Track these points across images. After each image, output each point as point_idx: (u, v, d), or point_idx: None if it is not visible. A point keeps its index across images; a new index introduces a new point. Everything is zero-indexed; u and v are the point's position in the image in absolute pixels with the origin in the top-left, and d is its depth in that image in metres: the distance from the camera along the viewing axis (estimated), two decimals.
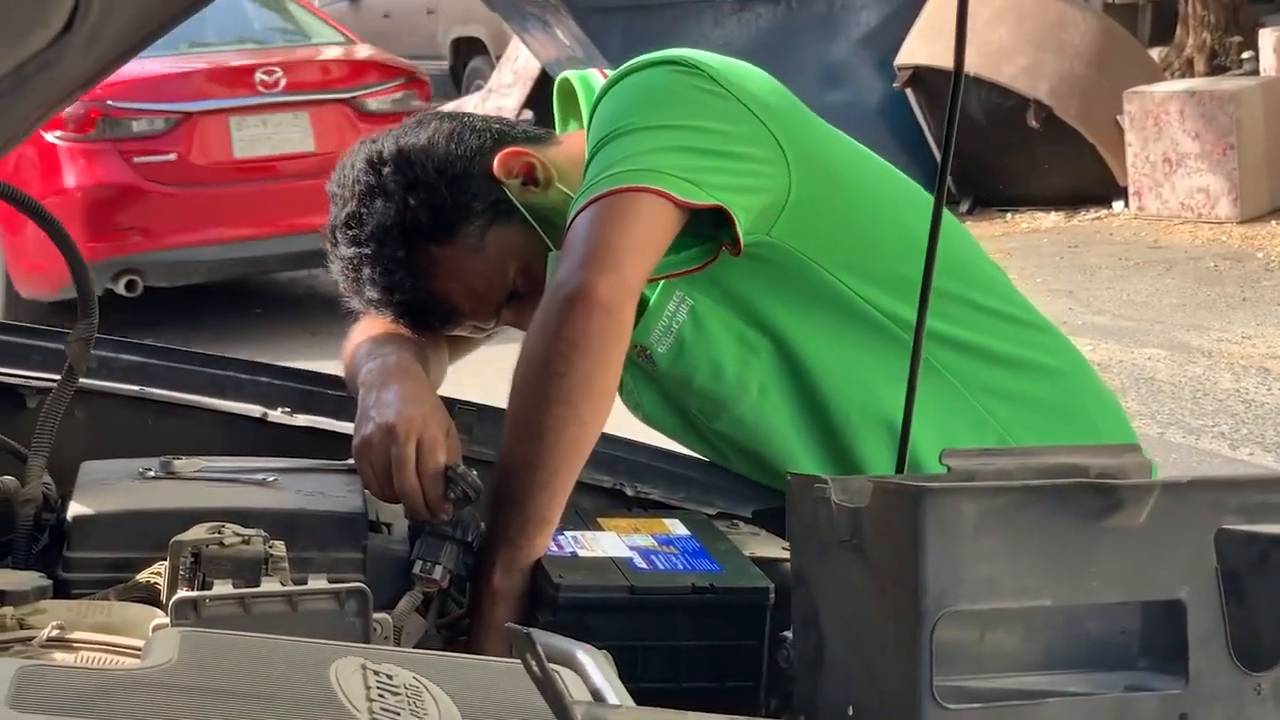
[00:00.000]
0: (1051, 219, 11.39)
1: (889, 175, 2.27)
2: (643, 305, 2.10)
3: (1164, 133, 10.88)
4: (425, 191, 2.16)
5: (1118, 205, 11.38)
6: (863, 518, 1.59)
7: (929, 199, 1.95)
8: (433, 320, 2.23)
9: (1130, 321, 8.66)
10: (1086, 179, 11.46)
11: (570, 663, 1.53)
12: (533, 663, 1.26)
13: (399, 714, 1.27)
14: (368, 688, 1.30)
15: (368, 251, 2.17)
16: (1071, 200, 11.55)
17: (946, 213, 2.15)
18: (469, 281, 2.19)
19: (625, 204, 1.96)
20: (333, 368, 2.36)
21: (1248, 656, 1.63)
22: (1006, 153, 11.51)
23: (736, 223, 2.00)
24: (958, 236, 2.27)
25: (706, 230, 2.04)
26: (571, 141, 2.26)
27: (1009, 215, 11.61)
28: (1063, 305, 9.08)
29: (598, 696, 1.41)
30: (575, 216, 1.98)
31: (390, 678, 1.33)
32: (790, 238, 2.09)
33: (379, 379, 2.07)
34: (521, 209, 2.16)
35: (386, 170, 2.17)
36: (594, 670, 1.47)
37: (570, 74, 2.32)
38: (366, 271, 2.18)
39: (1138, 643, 1.71)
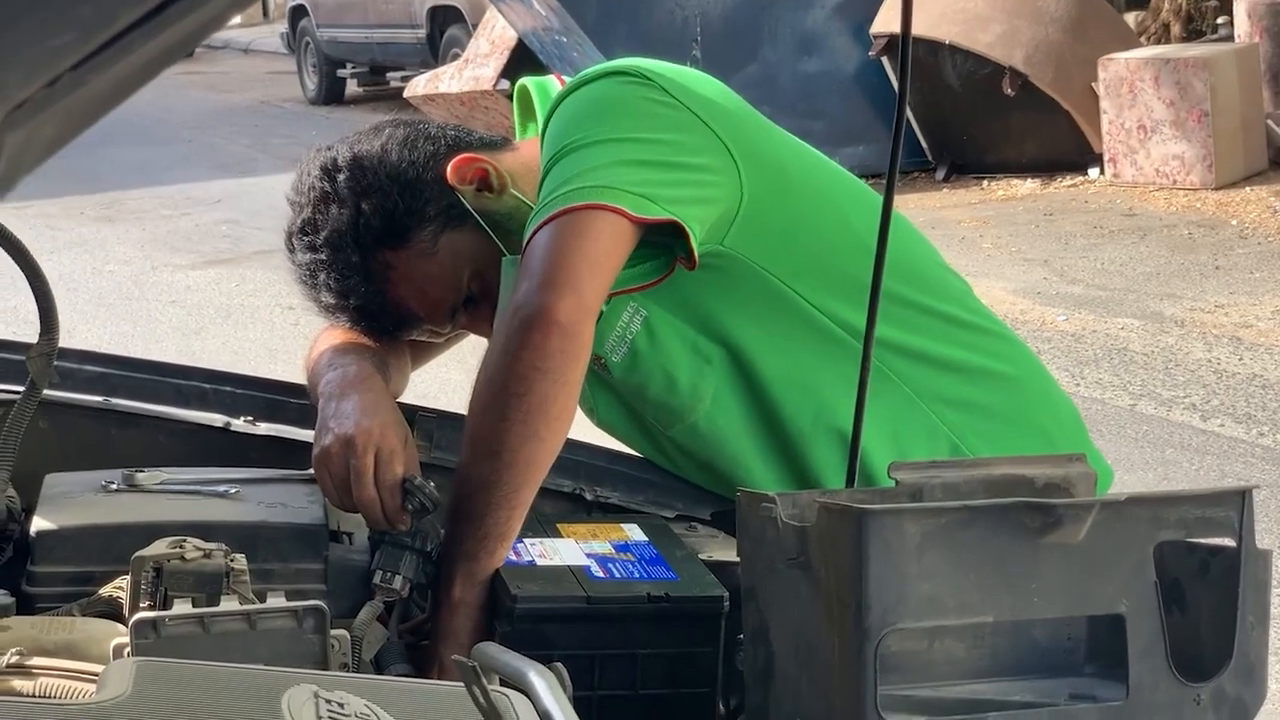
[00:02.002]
0: (1027, 186, 11.42)
1: (841, 179, 2.28)
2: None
3: (1138, 99, 10.89)
4: (378, 197, 2.18)
5: (1093, 172, 11.40)
6: (809, 536, 1.62)
7: (880, 201, 1.97)
8: (388, 325, 2.25)
9: (1104, 291, 8.70)
10: (1062, 146, 11.48)
11: (522, 682, 1.56)
12: (478, 694, 1.29)
13: None
14: (319, 717, 1.33)
15: (322, 257, 2.19)
16: (1047, 167, 11.57)
17: (902, 218, 2.18)
18: (423, 286, 2.21)
19: (581, 223, 1.98)
20: None
21: (1190, 665, 1.67)
22: (982, 120, 11.53)
23: (691, 236, 2.02)
24: (911, 241, 2.29)
25: (661, 241, 2.06)
26: (527, 147, 2.28)
27: (985, 183, 11.64)
28: (1038, 275, 9.12)
29: None
30: (532, 236, 2.00)
31: (342, 705, 1.35)
32: (742, 246, 2.11)
33: (338, 390, 2.09)
34: (475, 214, 2.18)
35: (341, 177, 2.20)
36: (544, 692, 1.50)
37: (528, 80, 2.34)
38: (322, 277, 2.20)
39: (1084, 649, 1.74)
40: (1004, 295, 8.53)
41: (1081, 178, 11.43)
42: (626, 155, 2.05)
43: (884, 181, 1.82)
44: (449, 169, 2.20)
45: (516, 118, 2.39)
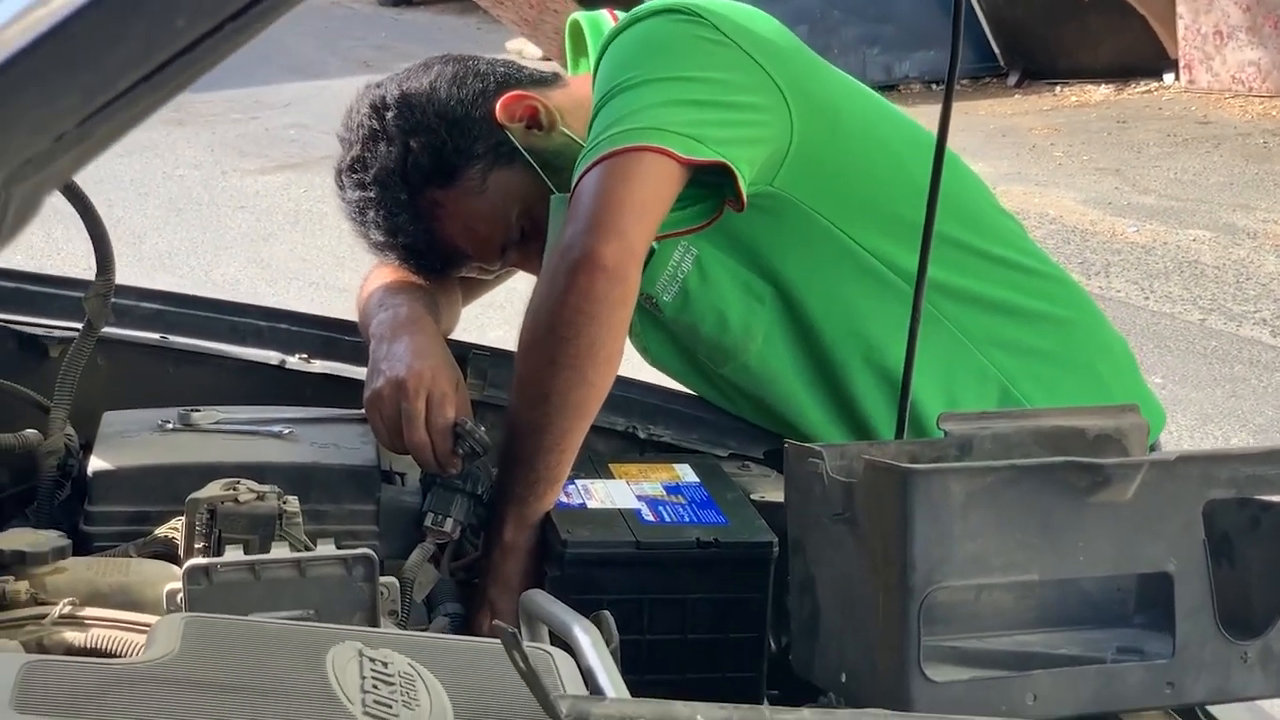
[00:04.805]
0: (1101, 92, 11.28)
1: (894, 119, 2.26)
2: (648, 254, 2.12)
3: (1215, 4, 10.72)
4: (426, 135, 2.18)
5: (1168, 78, 11.26)
6: (855, 492, 1.61)
7: (932, 140, 1.96)
8: (436, 263, 2.25)
9: (1176, 201, 8.60)
10: (1137, 51, 11.32)
11: (566, 636, 1.57)
12: (518, 659, 1.30)
13: (391, 705, 1.31)
14: (363, 677, 1.34)
15: (371, 195, 2.20)
16: (1122, 73, 11.43)
17: (956, 160, 2.16)
18: (471, 224, 2.21)
19: (628, 165, 1.97)
20: None
21: (1238, 621, 1.66)
22: (1056, 24, 11.38)
23: (739, 178, 2.01)
24: (965, 183, 2.27)
25: (711, 181, 2.05)
26: (578, 84, 2.27)
27: (1058, 89, 11.50)
28: (1109, 185, 9.02)
29: (588, 677, 1.45)
30: (580, 179, 1.99)
31: (385, 665, 1.37)
32: (792, 187, 2.10)
33: (389, 331, 2.10)
34: (524, 152, 2.18)
35: (389, 115, 2.19)
36: (588, 648, 1.51)
37: (580, 16, 2.32)
38: (371, 215, 2.21)
39: (1133, 600, 1.74)
40: (1074, 205, 8.46)
41: (1156, 84, 11.28)
42: (675, 95, 2.03)
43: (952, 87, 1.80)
44: (498, 106, 2.19)
45: (569, 54, 2.38)
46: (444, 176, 2.18)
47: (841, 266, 2.14)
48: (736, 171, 2.00)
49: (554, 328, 1.93)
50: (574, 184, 2.00)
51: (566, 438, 1.95)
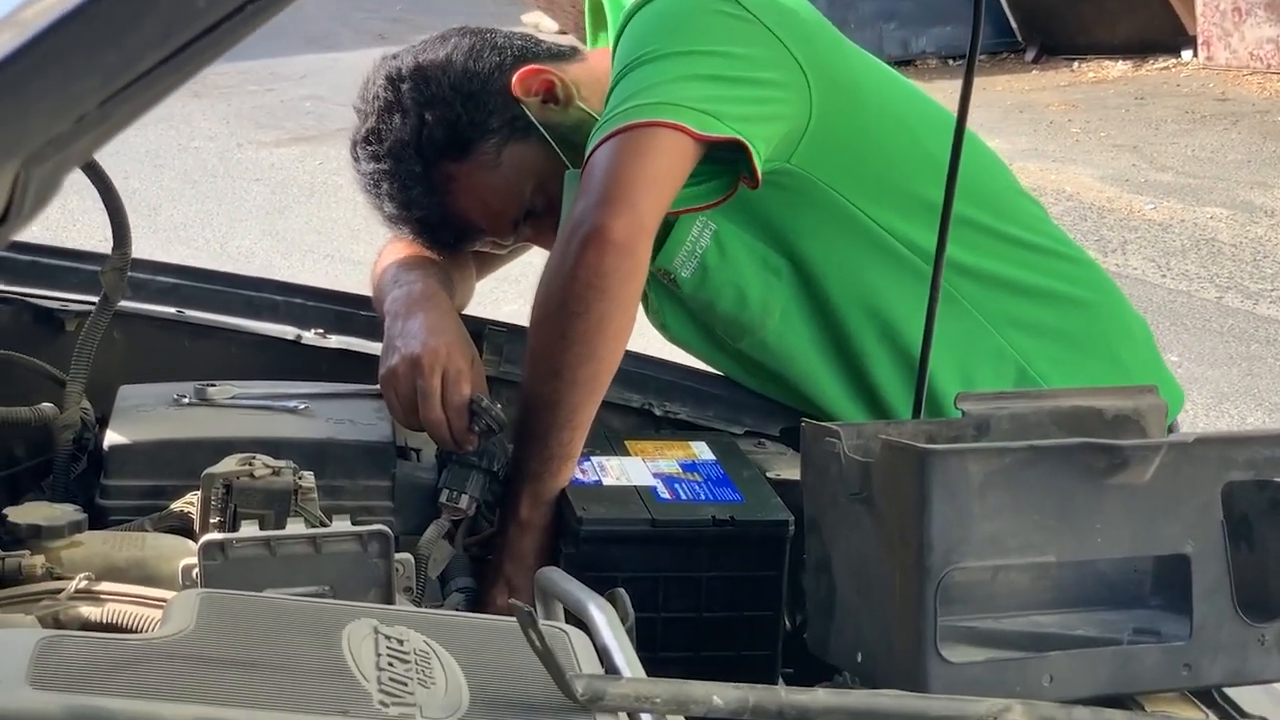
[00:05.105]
0: (1119, 69, 11.23)
1: (914, 98, 2.25)
2: (666, 229, 2.11)
3: None
4: (441, 108, 2.17)
5: (1186, 55, 11.21)
6: (872, 472, 1.61)
7: (950, 118, 1.95)
8: (449, 237, 2.25)
9: (1194, 179, 8.57)
10: (1155, 27, 11.28)
11: (581, 614, 1.57)
12: (534, 638, 1.30)
13: (407, 683, 1.31)
14: (378, 655, 1.34)
15: (385, 167, 2.19)
16: (1140, 49, 11.38)
17: (976, 140, 2.15)
18: (485, 199, 2.20)
19: (641, 139, 1.96)
20: None
21: (1256, 604, 1.66)
22: (1074, 0, 11.35)
23: (755, 155, 2.00)
24: (984, 163, 2.26)
25: (726, 158, 2.04)
26: (596, 58, 2.26)
27: (1075, 64, 11.46)
28: (1126, 161, 8.99)
29: (604, 655, 1.45)
30: (593, 152, 1.98)
31: (401, 643, 1.36)
32: (810, 165, 2.09)
33: (404, 308, 2.10)
34: (539, 127, 2.17)
35: (405, 86, 2.19)
36: (603, 626, 1.51)
37: None
38: (385, 187, 2.20)
39: (1150, 581, 1.73)
40: (1091, 182, 8.43)
41: (1174, 60, 11.24)
42: (694, 70, 2.02)
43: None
44: (514, 80, 2.18)
45: (588, 28, 2.37)
46: (458, 150, 2.17)
47: (858, 244, 2.14)
48: (752, 149, 1.99)
49: (564, 302, 1.93)
50: (586, 158, 1.99)
51: (578, 413, 1.95)
